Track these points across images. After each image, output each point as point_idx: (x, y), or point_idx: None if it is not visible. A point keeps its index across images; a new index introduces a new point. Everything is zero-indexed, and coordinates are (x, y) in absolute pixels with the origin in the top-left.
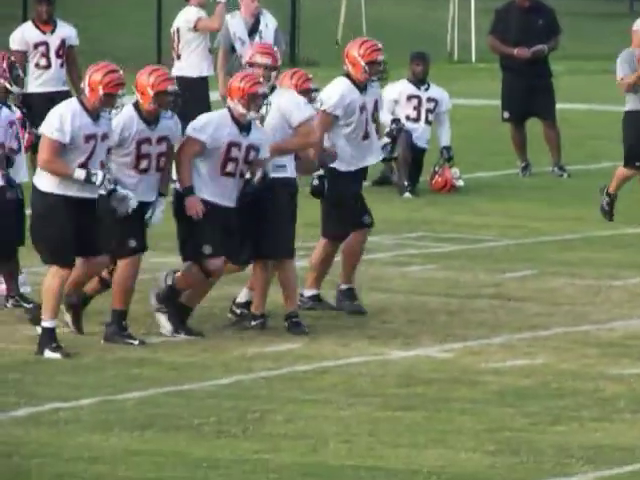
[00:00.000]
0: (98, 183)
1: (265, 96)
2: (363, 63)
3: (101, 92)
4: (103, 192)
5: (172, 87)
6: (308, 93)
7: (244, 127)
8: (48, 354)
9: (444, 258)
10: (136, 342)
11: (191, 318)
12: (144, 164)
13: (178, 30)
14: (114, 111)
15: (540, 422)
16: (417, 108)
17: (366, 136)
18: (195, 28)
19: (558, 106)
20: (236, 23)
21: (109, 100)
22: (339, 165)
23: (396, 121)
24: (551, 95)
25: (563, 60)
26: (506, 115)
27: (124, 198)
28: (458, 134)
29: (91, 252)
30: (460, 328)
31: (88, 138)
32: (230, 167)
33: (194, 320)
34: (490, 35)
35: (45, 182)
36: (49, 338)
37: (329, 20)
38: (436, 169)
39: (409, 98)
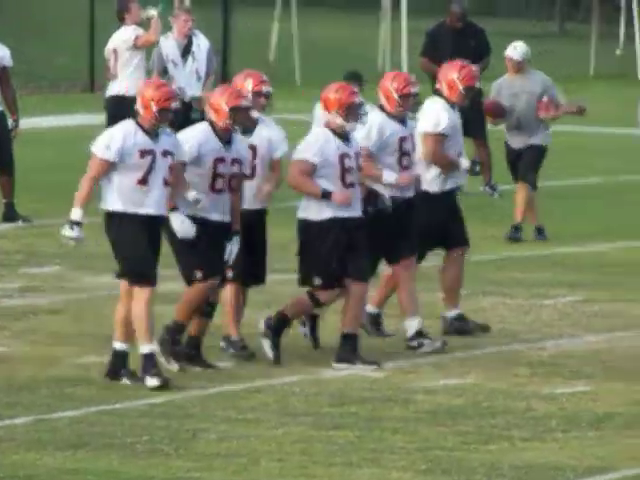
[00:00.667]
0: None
1: (362, 105)
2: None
3: (155, 108)
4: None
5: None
6: (408, 98)
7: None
8: (149, 381)
9: (377, 278)
10: (175, 366)
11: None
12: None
13: (115, 50)
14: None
15: (471, 441)
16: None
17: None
18: (135, 45)
19: (489, 126)
20: (169, 45)
21: (164, 115)
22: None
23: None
24: (481, 115)
25: (493, 80)
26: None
27: (183, 221)
28: None
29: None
30: (393, 347)
31: (143, 154)
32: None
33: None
34: (422, 57)
35: (112, 202)
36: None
37: (261, 41)
38: None
39: None
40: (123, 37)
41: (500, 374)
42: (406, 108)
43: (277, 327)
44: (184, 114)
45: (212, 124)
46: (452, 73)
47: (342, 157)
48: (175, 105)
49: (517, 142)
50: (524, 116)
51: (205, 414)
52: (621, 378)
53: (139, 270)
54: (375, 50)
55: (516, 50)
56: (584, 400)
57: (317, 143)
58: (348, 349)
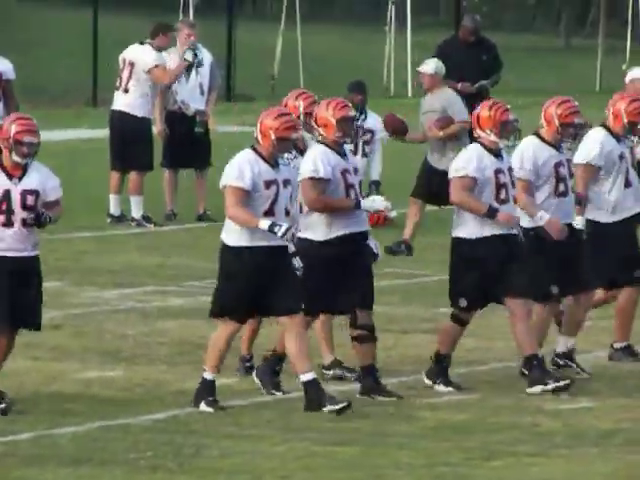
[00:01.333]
0: (280, 234)
1: (516, 121)
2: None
3: (273, 137)
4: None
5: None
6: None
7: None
8: (203, 407)
9: (379, 294)
10: (279, 393)
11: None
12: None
13: (132, 64)
14: (290, 156)
15: (476, 457)
16: (353, 140)
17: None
18: (147, 72)
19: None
20: (172, 59)
21: (283, 145)
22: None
23: None
24: None
25: (506, 94)
26: None
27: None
28: (396, 168)
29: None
30: (395, 364)
31: (269, 184)
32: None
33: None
34: None
35: (233, 237)
36: (207, 390)
37: (265, 55)
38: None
39: None
40: (145, 58)
41: (505, 390)
42: (564, 136)
43: (438, 365)
44: (188, 128)
45: (324, 143)
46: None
47: (497, 173)
48: (296, 135)
49: (433, 160)
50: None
51: (208, 430)
52: (626, 394)
53: (231, 306)
54: (380, 64)
55: (427, 66)
56: (589, 416)
57: (474, 159)
58: (537, 371)
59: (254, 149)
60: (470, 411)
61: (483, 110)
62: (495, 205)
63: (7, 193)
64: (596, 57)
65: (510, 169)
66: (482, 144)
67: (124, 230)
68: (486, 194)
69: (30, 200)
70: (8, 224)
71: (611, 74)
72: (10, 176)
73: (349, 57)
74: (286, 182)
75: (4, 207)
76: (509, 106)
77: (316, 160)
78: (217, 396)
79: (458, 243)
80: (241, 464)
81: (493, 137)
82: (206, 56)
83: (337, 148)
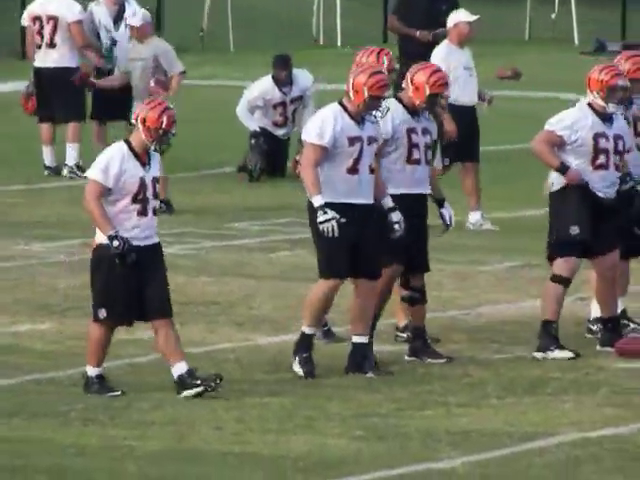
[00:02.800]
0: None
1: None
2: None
3: (367, 94)
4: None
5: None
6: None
7: (359, 120)
8: (296, 367)
9: (312, 244)
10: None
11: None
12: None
13: (55, 18)
14: (378, 114)
15: (407, 407)
16: (283, 114)
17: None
18: (68, 25)
19: None
20: (100, 11)
21: (374, 103)
22: None
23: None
24: None
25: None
26: None
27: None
28: None
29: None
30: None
31: (353, 140)
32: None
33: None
34: (392, 15)
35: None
36: (305, 345)
37: (194, 7)
38: (297, 158)
39: (275, 107)
40: (70, 10)
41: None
42: (611, 100)
43: (547, 332)
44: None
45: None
46: (594, 74)
47: (597, 136)
48: (388, 94)
49: None
50: (137, 86)
51: (139, 382)
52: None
53: (332, 265)
54: (309, 14)
55: (135, 17)
56: (520, 366)
57: (569, 118)
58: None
59: (341, 104)
60: (401, 362)
61: (593, 72)
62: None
63: (142, 181)
64: (525, 6)
65: (619, 137)
66: (590, 105)
67: (55, 182)
68: (581, 154)
69: (157, 188)
70: (144, 213)
71: (540, 23)
72: (143, 164)
73: (278, 7)
74: (371, 139)
75: (141, 196)
76: (620, 69)
77: (324, 124)
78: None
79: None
80: (173, 416)
81: (600, 101)
82: (137, 9)
83: (355, 116)
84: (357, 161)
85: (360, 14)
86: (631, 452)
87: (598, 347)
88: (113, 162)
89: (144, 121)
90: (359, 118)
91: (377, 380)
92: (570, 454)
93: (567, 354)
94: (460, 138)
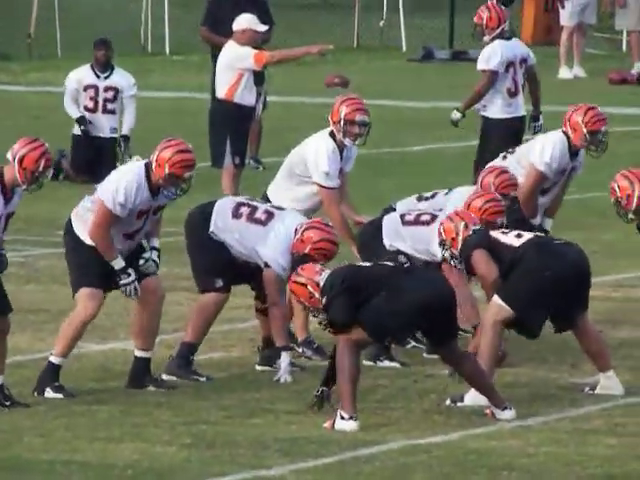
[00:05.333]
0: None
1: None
2: (585, 131)
3: (167, 171)
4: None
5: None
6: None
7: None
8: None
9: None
10: (203, 378)
11: None
12: None
13: None
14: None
15: (236, 415)
16: (94, 98)
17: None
18: None
19: None
20: None
21: (174, 181)
22: None
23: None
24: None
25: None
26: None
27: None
28: (154, 127)
29: None
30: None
31: (142, 213)
32: None
33: None
34: (202, 26)
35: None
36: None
37: (21, 14)
38: (117, 163)
39: (86, 89)
40: None
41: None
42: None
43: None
44: None
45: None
46: (577, 116)
47: None
48: (189, 174)
49: None
50: None
51: None
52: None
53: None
54: (138, 22)
55: None
56: None
57: None
58: None
59: (147, 169)
60: (230, 369)
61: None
62: None
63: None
64: (353, 13)
65: None
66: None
67: None
68: None
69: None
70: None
71: (368, 31)
72: (6, 200)
73: (107, 14)
74: (158, 209)
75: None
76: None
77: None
78: None
79: None
80: (0, 423)
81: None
82: None
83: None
84: (138, 231)
85: (188, 23)
86: (460, 459)
87: (425, 355)
88: None
89: (21, 161)
90: (156, 190)
91: (206, 387)
92: (398, 461)
93: (396, 365)
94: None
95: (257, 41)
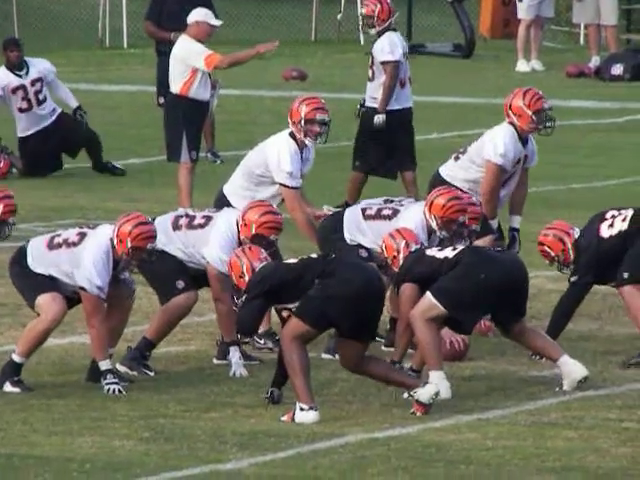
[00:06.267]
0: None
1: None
2: (530, 112)
3: (130, 244)
4: None
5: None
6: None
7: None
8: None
9: None
10: (151, 373)
11: None
12: None
13: None
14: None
15: (194, 409)
16: (25, 97)
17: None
18: None
19: None
20: None
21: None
22: None
23: None
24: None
25: (219, 46)
26: (162, 100)
27: None
28: (111, 120)
29: None
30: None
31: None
32: None
33: None
34: (147, 20)
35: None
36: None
37: None
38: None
39: (14, 91)
40: None
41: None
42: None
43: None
44: None
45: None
46: (518, 100)
47: None
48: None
49: None
50: None
51: None
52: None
53: None
54: (95, 15)
55: None
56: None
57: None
58: None
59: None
60: (188, 363)
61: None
62: None
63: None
64: (311, 7)
65: None
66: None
67: None
68: None
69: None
70: None
71: (326, 24)
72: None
73: (63, 7)
74: None
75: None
76: None
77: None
78: None
79: None
80: None
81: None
82: None
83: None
84: None
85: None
86: (418, 452)
87: (383, 347)
88: None
89: None
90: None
91: (164, 381)
92: (356, 454)
93: None
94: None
95: (211, 35)
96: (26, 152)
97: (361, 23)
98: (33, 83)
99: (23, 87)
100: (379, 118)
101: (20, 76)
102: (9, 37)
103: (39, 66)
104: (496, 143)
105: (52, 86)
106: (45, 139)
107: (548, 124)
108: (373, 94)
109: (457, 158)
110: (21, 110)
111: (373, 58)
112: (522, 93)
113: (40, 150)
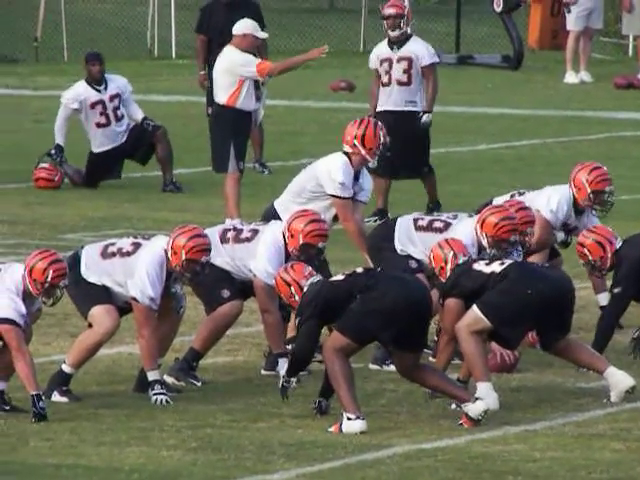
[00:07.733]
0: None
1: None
2: (589, 190)
3: (184, 257)
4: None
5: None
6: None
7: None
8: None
9: None
10: (199, 383)
11: None
12: None
13: None
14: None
15: (241, 419)
16: (104, 113)
17: None
18: None
19: None
20: None
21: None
22: None
23: None
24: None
25: (271, 56)
26: (210, 111)
27: None
28: None
29: None
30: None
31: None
32: None
33: None
34: (197, 34)
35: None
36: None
37: (27, 17)
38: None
39: (93, 106)
40: None
41: None
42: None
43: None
44: None
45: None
46: (582, 174)
47: None
48: (206, 259)
49: None
50: None
51: None
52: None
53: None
54: (144, 25)
55: None
56: (356, 377)
57: None
58: None
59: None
60: (235, 373)
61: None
62: None
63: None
64: (359, 18)
65: None
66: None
67: None
68: None
69: None
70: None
71: (374, 35)
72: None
73: (113, 18)
74: None
75: None
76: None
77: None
78: None
79: None
80: (6, 427)
81: None
82: None
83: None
84: None
85: (194, 26)
86: (466, 463)
87: (431, 358)
88: None
89: (30, 271)
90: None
91: (211, 391)
92: (404, 465)
93: None
94: None
95: (256, 47)
96: (96, 167)
97: (386, 24)
98: (112, 99)
99: (102, 102)
100: (429, 117)
101: (99, 91)
102: (92, 52)
103: (118, 82)
104: (550, 198)
105: (126, 104)
106: (117, 155)
107: (604, 207)
108: (411, 97)
109: (512, 196)
110: (99, 125)
111: (411, 62)
112: (589, 169)
113: (110, 167)
